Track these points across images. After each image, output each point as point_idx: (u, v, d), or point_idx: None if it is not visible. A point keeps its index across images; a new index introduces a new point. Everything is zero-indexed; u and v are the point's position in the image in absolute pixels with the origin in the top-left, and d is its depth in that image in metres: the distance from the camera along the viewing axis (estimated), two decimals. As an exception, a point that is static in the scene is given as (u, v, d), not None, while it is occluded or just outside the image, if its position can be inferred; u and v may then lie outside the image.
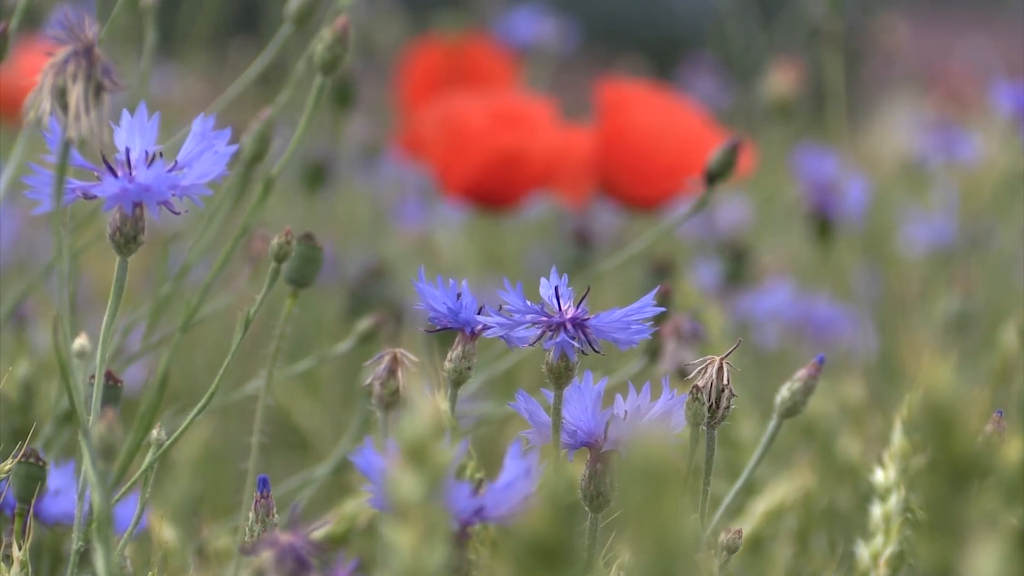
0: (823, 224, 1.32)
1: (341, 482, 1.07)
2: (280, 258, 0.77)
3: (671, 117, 1.28)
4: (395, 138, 1.41)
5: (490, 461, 0.76)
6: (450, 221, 1.84)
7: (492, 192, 1.27)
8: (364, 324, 0.91)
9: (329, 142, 1.53)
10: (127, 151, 0.72)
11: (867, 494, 1.09)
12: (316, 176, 1.38)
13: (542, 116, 1.30)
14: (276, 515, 0.74)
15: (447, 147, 1.26)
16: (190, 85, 2.03)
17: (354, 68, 1.38)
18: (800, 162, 1.39)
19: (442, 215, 1.82)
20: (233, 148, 0.73)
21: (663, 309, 0.75)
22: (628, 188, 1.28)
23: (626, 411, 0.73)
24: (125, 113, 0.74)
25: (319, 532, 0.86)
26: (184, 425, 0.78)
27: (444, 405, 0.74)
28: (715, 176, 0.87)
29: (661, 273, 1.20)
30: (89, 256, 1.54)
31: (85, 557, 0.77)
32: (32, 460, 0.80)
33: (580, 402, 0.73)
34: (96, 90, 0.64)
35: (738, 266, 1.28)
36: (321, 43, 0.82)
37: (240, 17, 2.05)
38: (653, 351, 0.91)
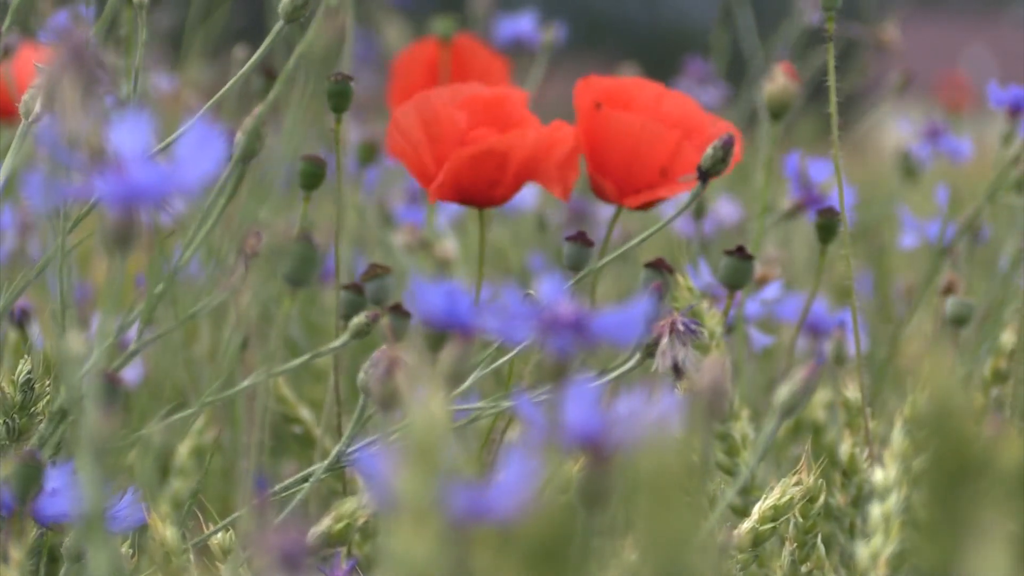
0: (820, 224, 1.32)
1: (340, 480, 1.07)
2: (269, 254, 0.77)
3: (655, 108, 1.27)
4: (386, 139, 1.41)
5: (488, 460, 0.76)
6: (448, 221, 1.84)
7: (474, 190, 1.26)
8: (358, 320, 0.91)
9: (328, 144, 1.53)
10: (120, 150, 0.72)
11: (861, 492, 1.09)
12: (313, 176, 1.38)
13: (519, 103, 1.28)
14: (274, 513, 0.74)
15: (425, 146, 1.25)
16: (193, 89, 2.03)
17: (351, 69, 1.38)
18: (794, 163, 1.39)
19: (440, 215, 1.82)
20: (227, 147, 0.73)
21: (660, 307, 0.75)
22: (612, 182, 1.27)
23: (624, 411, 0.73)
24: (118, 113, 0.74)
25: (317, 530, 0.86)
26: (179, 416, 0.78)
27: (443, 405, 0.74)
28: (708, 172, 0.87)
29: (658, 271, 1.20)
30: (92, 255, 1.55)
31: (82, 556, 0.77)
32: (29, 460, 0.80)
33: (577, 401, 0.73)
34: (87, 90, 0.64)
35: (736, 265, 1.28)
36: (312, 40, 0.82)
37: (246, 24, 2.06)
38: (651, 350, 0.91)
